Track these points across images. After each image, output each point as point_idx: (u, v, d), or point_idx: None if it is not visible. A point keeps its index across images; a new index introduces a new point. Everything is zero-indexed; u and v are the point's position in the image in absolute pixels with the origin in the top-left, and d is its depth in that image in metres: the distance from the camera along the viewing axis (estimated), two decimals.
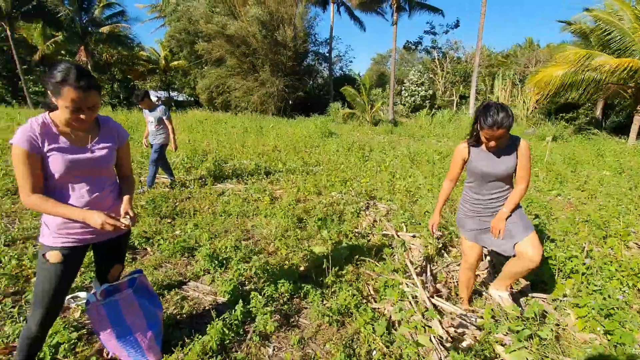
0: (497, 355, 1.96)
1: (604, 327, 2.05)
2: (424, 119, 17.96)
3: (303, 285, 2.57)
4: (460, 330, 2.19)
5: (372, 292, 2.65)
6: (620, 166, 7.06)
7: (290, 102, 23.03)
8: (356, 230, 3.78)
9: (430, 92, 22.03)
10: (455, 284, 2.78)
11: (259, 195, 4.81)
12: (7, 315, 2.21)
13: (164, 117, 4.82)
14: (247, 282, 2.71)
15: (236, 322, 2.12)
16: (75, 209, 1.42)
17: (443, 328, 2.16)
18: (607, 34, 11.10)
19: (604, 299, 2.19)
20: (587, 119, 16.10)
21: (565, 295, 2.48)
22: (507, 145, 2.04)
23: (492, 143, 1.94)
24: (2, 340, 1.98)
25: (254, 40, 19.71)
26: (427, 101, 21.92)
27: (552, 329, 2.01)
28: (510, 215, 2.12)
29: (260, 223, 3.90)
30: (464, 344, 2.07)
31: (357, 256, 3.09)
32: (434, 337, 2.04)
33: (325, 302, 2.47)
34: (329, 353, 2.02)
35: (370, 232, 3.78)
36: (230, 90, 21.82)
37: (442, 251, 3.32)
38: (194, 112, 19.64)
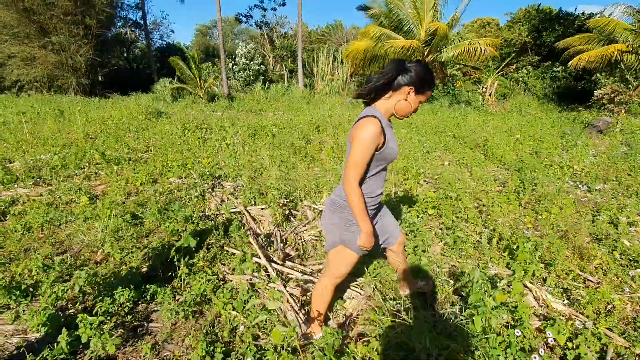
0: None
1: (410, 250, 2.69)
2: (260, 93, 18.18)
3: (149, 286, 2.28)
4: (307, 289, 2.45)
5: (229, 272, 2.61)
6: (413, 124, 9.13)
7: (100, 78, 19.00)
8: (203, 213, 3.59)
9: (263, 67, 22.38)
10: (303, 243, 3.04)
11: (71, 197, 3.87)
12: None
13: None
14: (70, 305, 2.20)
15: (62, 356, 1.71)
16: None
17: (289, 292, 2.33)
18: (397, 18, 13.87)
19: (407, 225, 2.87)
20: None
21: None
22: None
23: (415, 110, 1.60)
24: None
25: None
26: (260, 76, 22.20)
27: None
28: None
29: (79, 229, 3.17)
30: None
31: (207, 239, 2.95)
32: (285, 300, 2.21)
33: (178, 297, 2.28)
34: (190, 347, 1.90)
35: (218, 212, 3.66)
36: (2, 62, 16.03)
37: (290, 217, 3.56)
38: None
